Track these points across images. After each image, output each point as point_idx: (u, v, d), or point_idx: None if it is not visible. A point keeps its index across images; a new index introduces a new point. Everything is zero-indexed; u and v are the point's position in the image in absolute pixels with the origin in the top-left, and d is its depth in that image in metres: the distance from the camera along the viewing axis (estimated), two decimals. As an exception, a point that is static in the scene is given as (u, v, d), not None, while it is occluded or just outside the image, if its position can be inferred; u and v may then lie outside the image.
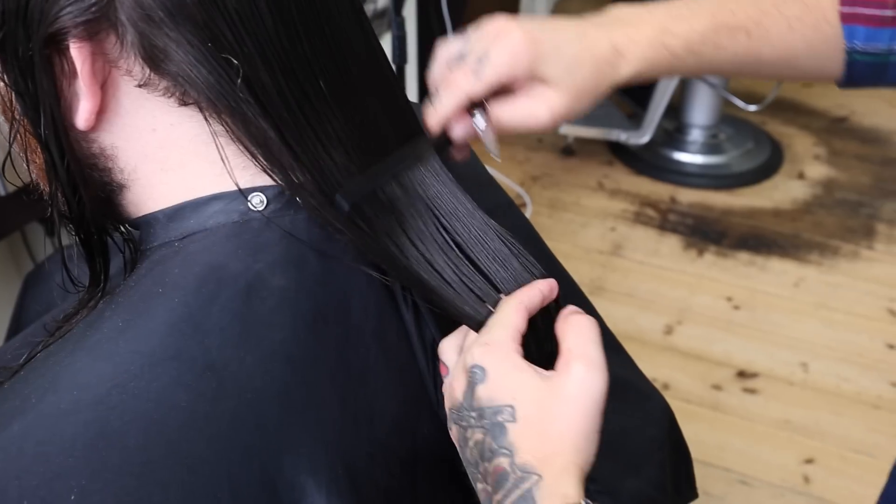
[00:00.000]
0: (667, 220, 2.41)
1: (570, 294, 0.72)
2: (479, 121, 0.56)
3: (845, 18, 0.59)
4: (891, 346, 1.97)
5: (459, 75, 0.56)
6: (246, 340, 0.47)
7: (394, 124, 0.54)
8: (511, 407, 0.47)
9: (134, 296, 0.49)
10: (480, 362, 0.49)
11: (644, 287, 2.14)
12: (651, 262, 2.24)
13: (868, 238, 2.33)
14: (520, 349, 0.49)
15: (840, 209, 2.45)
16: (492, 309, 0.52)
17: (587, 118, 2.59)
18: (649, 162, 2.63)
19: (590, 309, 0.73)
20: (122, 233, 0.55)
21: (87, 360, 0.46)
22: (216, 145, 0.49)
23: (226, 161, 0.49)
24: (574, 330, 0.50)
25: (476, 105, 0.56)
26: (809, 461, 1.69)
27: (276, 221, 0.50)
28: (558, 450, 0.46)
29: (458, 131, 0.57)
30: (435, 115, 0.56)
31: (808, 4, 0.59)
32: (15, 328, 1.02)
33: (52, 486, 0.41)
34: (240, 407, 0.45)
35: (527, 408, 0.47)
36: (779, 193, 2.52)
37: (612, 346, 0.73)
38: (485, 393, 0.48)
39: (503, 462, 0.47)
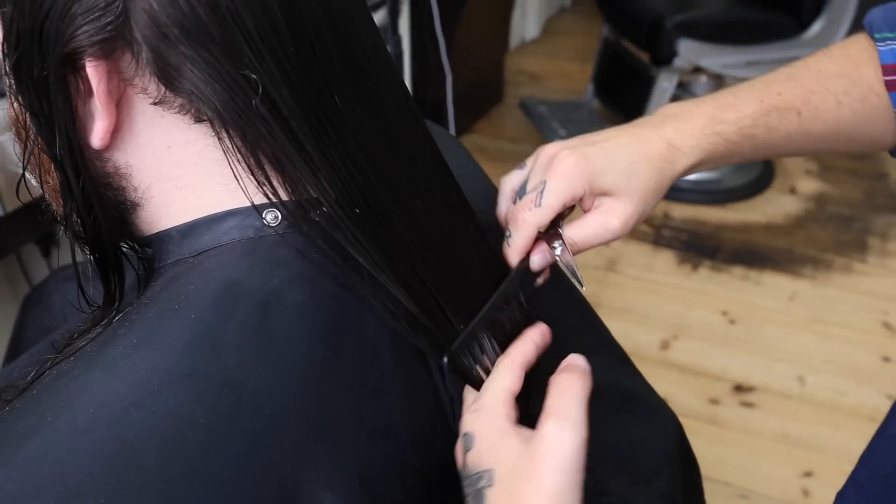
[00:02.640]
0: (661, 235, 2.42)
1: (576, 305, 0.72)
2: (556, 250, 0.59)
3: (891, 87, 0.60)
4: (886, 359, 1.98)
5: (523, 209, 0.58)
6: (263, 357, 0.47)
7: (409, 130, 0.54)
8: (490, 471, 0.48)
9: (149, 313, 0.49)
10: (470, 429, 0.51)
11: (639, 302, 2.15)
12: (646, 277, 2.25)
13: (861, 252, 2.34)
14: (512, 412, 0.50)
15: (832, 223, 2.47)
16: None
17: (579, 134, 2.60)
18: (642, 178, 2.64)
19: (592, 320, 0.74)
20: (136, 251, 0.54)
21: (102, 378, 0.46)
22: (230, 163, 0.49)
23: (240, 178, 0.49)
24: (557, 388, 0.51)
25: (549, 230, 0.59)
26: (808, 474, 1.69)
27: (290, 239, 0.51)
28: None
29: (537, 260, 0.59)
30: (511, 252, 0.59)
31: (853, 78, 0.60)
32: (14, 350, 1.02)
33: None
34: (258, 424, 0.45)
35: (503, 470, 0.48)
36: (771, 208, 2.54)
37: (620, 358, 0.74)
38: (472, 459, 0.50)
39: None
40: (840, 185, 2.65)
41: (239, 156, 0.49)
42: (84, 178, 0.50)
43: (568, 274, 0.59)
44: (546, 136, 2.61)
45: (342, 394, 0.49)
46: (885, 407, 1.85)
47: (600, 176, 0.57)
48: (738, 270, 2.27)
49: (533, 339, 0.56)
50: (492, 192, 0.71)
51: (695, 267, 2.29)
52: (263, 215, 0.50)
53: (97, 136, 0.48)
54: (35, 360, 0.69)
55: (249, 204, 0.50)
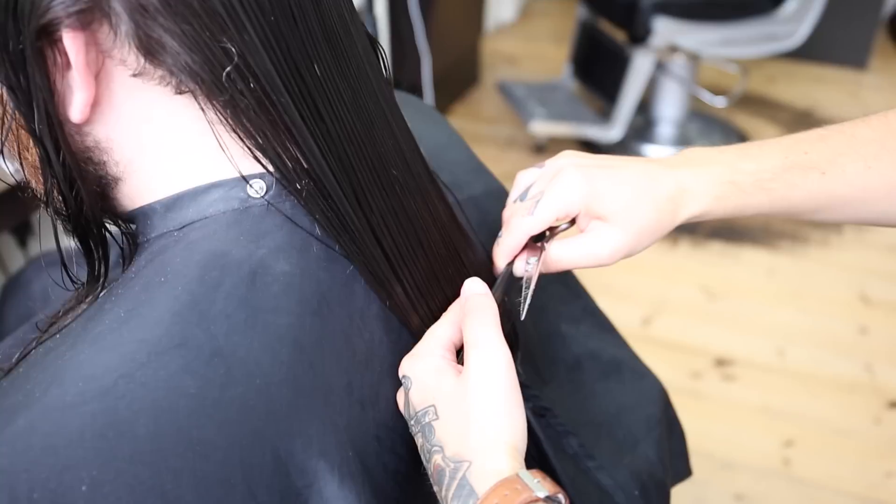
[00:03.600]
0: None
1: (562, 275, 0.72)
2: (529, 265, 0.59)
3: None
4: (863, 331, 2.01)
5: (517, 214, 0.59)
6: (252, 326, 0.47)
7: (383, 102, 0.54)
8: (433, 406, 0.50)
9: (135, 286, 0.48)
10: (408, 372, 0.53)
11: (621, 280, 2.16)
12: (626, 255, 2.26)
13: (837, 226, 2.37)
14: (447, 354, 0.52)
15: (808, 198, 2.48)
16: None
17: (558, 115, 2.61)
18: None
19: (577, 290, 0.74)
20: (119, 226, 0.54)
21: (90, 352, 0.46)
22: (214, 134, 0.49)
23: (225, 148, 0.49)
24: (467, 320, 0.53)
25: (539, 240, 0.60)
26: (789, 444, 1.71)
27: (278, 207, 0.50)
28: (480, 434, 0.48)
29: (518, 267, 0.60)
30: (499, 252, 0.60)
31: (888, 146, 0.58)
32: (-6, 338, 1.01)
33: (62, 478, 0.41)
34: (249, 393, 0.45)
35: (445, 404, 0.50)
36: (748, 184, 2.55)
37: (605, 328, 0.74)
38: (414, 398, 0.52)
39: (437, 459, 0.49)
40: (815, 161, 2.67)
41: (221, 127, 0.49)
42: (64, 152, 0.49)
43: (523, 290, 0.59)
44: (523, 118, 2.61)
45: (332, 363, 0.49)
46: (863, 377, 1.89)
47: (599, 200, 0.57)
48: (716, 246, 2.29)
49: (464, 291, 0.56)
50: (473, 162, 0.71)
51: (675, 243, 2.30)
52: (250, 185, 0.50)
53: (76, 109, 0.48)
54: (19, 341, 0.69)
55: (233, 175, 0.50)
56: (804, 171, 0.58)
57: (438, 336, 0.54)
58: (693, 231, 2.34)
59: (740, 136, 2.77)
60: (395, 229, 0.53)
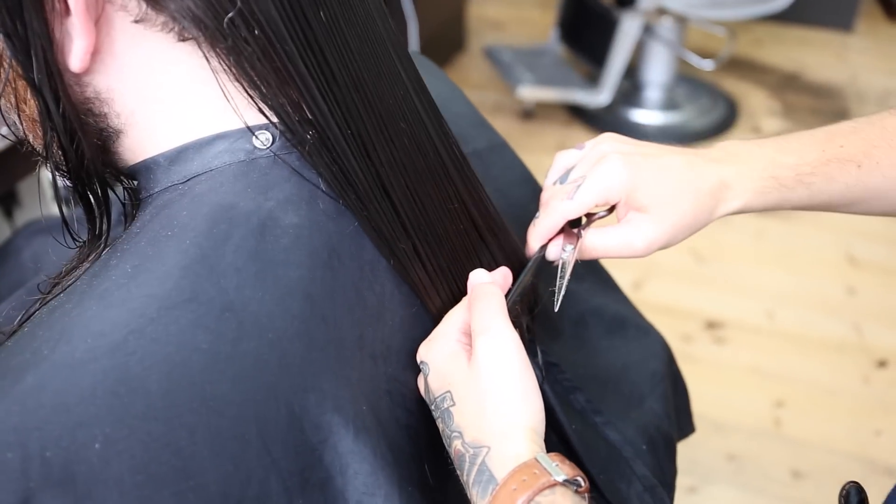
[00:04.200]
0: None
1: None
2: (566, 252, 0.59)
3: None
4: (851, 291, 2.02)
5: (557, 197, 0.58)
6: (263, 280, 0.46)
7: (392, 51, 0.53)
8: (450, 392, 0.50)
9: (141, 241, 0.47)
10: (424, 357, 0.53)
11: (610, 245, 2.16)
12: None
13: (824, 188, 2.37)
14: (462, 338, 0.52)
15: (796, 161, 2.49)
16: None
17: (546, 80, 2.60)
18: (608, 122, 2.65)
19: None
20: (121, 181, 0.53)
21: (98, 309, 0.44)
22: (218, 83, 0.48)
23: (230, 98, 0.48)
24: (474, 308, 0.52)
25: (575, 226, 0.59)
26: (780, 404, 1.73)
27: (284, 159, 0.49)
28: (496, 419, 0.48)
29: (552, 251, 0.59)
30: (534, 233, 0.60)
31: None
32: (-14, 306, 0.99)
33: (74, 436, 0.40)
34: (262, 347, 0.44)
35: (460, 390, 0.50)
36: (736, 148, 2.55)
37: (608, 285, 0.74)
38: (432, 383, 0.52)
39: (457, 444, 0.49)
40: (803, 125, 2.67)
41: (226, 76, 0.47)
42: (64, 104, 0.47)
43: (557, 275, 0.58)
44: (511, 83, 2.59)
45: (343, 316, 0.48)
46: (852, 336, 1.91)
47: (641, 190, 0.56)
48: (705, 210, 2.29)
49: (496, 279, 0.56)
50: (476, 116, 0.70)
51: (663, 208, 2.30)
52: (256, 136, 0.49)
53: (76, 57, 0.46)
54: (19, 304, 0.67)
55: (238, 127, 0.49)
56: (842, 163, 0.58)
57: (454, 320, 0.53)
58: (682, 195, 2.34)
59: (728, 100, 2.76)
60: (404, 183, 0.52)
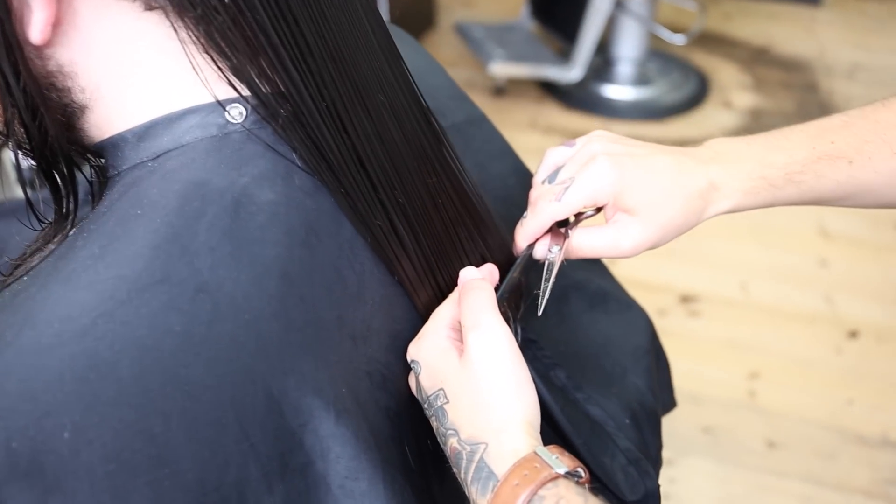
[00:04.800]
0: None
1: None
2: (552, 252, 0.58)
3: None
4: (823, 263, 2.04)
5: (545, 198, 0.58)
6: (238, 259, 0.44)
7: (369, 22, 0.51)
8: (442, 390, 0.50)
9: (109, 221, 0.45)
10: (415, 356, 0.52)
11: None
12: (589, 195, 2.26)
13: (795, 161, 2.39)
14: (452, 334, 0.51)
15: (767, 135, 2.50)
16: None
17: (518, 56, 2.58)
18: (580, 98, 2.64)
19: None
20: (88, 159, 0.51)
21: (64, 292, 0.43)
22: (186, 55, 0.46)
23: (199, 71, 0.46)
24: (464, 304, 0.52)
25: (563, 226, 0.59)
26: (754, 376, 1.74)
27: (258, 134, 0.47)
28: (491, 414, 0.47)
29: (539, 251, 0.59)
30: (522, 233, 0.59)
31: None
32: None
33: (41, 425, 0.38)
34: (238, 328, 0.43)
35: (453, 387, 0.49)
36: (709, 123, 2.56)
37: (592, 260, 0.73)
38: (424, 382, 0.51)
39: (453, 442, 0.48)
40: (773, 98, 2.68)
41: (195, 47, 0.45)
42: (24, 78, 0.45)
43: (543, 278, 0.58)
44: (482, 60, 2.57)
45: (322, 296, 0.47)
46: (824, 308, 1.92)
47: (629, 192, 0.56)
48: (678, 185, 2.29)
49: (483, 275, 0.56)
50: (454, 88, 0.68)
51: (636, 183, 2.30)
52: (227, 111, 0.47)
53: (36, 29, 0.44)
54: (-20, 288, 0.65)
55: (209, 101, 0.47)
56: (832, 160, 0.57)
57: (442, 316, 0.52)
58: (655, 170, 2.34)
59: (699, 75, 2.76)
60: (382, 158, 0.50)
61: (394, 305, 0.52)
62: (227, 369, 0.42)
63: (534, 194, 0.60)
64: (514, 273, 0.57)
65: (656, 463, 0.64)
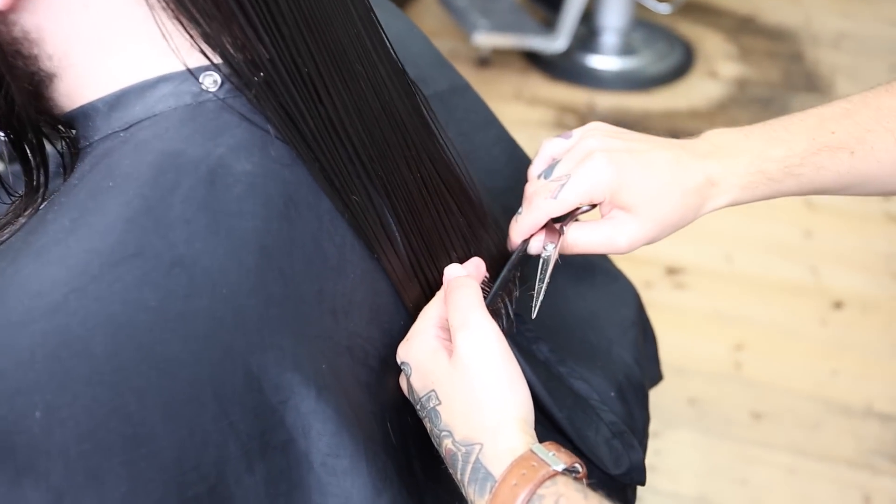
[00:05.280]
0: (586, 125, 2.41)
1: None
2: (546, 250, 0.57)
3: None
4: (808, 234, 2.04)
5: (541, 195, 0.56)
6: (215, 232, 0.43)
7: None
8: (434, 391, 0.49)
9: (80, 194, 0.44)
10: (405, 358, 0.51)
11: (570, 192, 2.15)
12: (575, 167, 2.25)
13: (781, 132, 2.38)
14: (441, 332, 0.51)
15: (753, 105, 2.49)
16: None
17: (502, 27, 2.55)
18: (565, 68, 2.62)
19: None
20: (58, 130, 0.49)
21: (34, 267, 0.41)
22: (155, 20, 0.44)
23: (169, 38, 0.44)
24: (450, 304, 0.51)
25: (558, 221, 0.58)
26: (739, 348, 1.75)
27: (233, 103, 0.46)
28: (485, 414, 0.47)
29: (535, 245, 0.58)
30: (516, 229, 0.58)
31: None
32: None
33: (12, 404, 0.37)
34: (215, 304, 0.42)
35: (444, 388, 0.48)
36: (694, 93, 2.55)
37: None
38: (416, 383, 0.50)
39: (448, 443, 0.48)
40: (759, 68, 2.67)
41: (164, 13, 0.44)
42: None
43: (538, 277, 0.57)
44: (466, 30, 2.54)
45: (302, 269, 0.46)
46: (809, 279, 1.92)
47: (626, 190, 0.55)
48: (664, 156, 2.28)
49: (469, 271, 0.55)
50: (436, 56, 0.67)
51: (622, 155, 2.29)
52: (201, 79, 0.45)
53: None
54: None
55: (182, 68, 0.45)
56: (833, 152, 0.56)
57: (430, 315, 0.52)
58: (640, 141, 2.33)
59: (684, 45, 2.74)
60: (360, 128, 0.49)
61: (375, 279, 0.51)
62: (205, 345, 0.41)
63: (529, 189, 0.59)
64: (505, 271, 0.56)
65: (643, 436, 0.64)
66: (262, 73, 0.45)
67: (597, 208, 0.58)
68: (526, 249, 0.58)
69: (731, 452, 1.57)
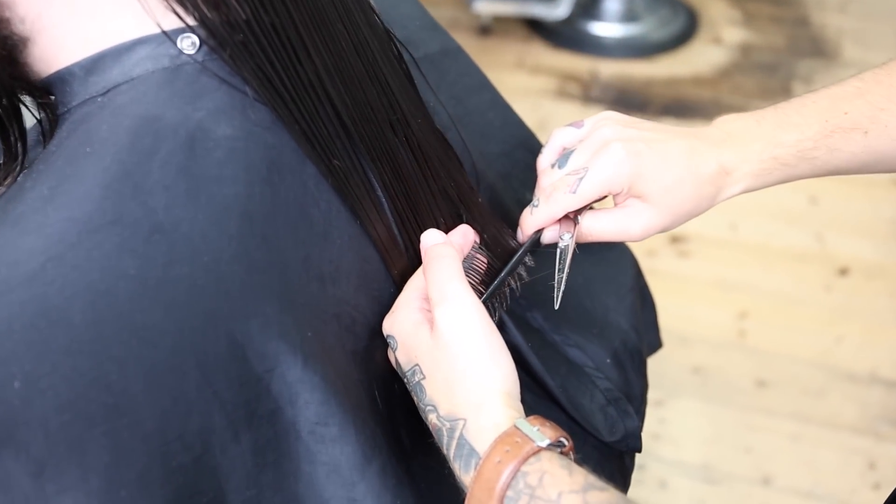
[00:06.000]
0: (589, 93, 2.39)
1: (527, 141, 0.68)
2: (563, 240, 0.57)
3: None
4: (813, 200, 2.02)
5: (559, 189, 0.55)
6: (195, 198, 0.42)
7: None
8: (418, 365, 0.48)
9: (58, 161, 0.43)
10: (389, 331, 0.50)
11: (572, 161, 2.13)
12: (577, 136, 2.23)
13: (785, 97, 2.33)
14: (424, 304, 0.50)
15: (758, 71, 2.46)
16: None
17: (503, -6, 2.52)
18: (568, 36, 2.59)
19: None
20: (34, 96, 0.48)
21: (11, 235, 0.40)
22: None
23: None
24: (429, 274, 0.50)
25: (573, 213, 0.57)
26: (744, 316, 1.74)
27: (212, 66, 0.45)
28: (468, 389, 0.46)
29: (549, 235, 0.57)
30: (532, 221, 0.57)
31: None
32: None
33: None
34: (196, 271, 0.41)
35: (427, 363, 0.48)
36: (698, 59, 2.52)
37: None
38: (401, 357, 0.50)
39: (433, 418, 0.47)
40: (764, 33, 2.63)
41: None
42: None
43: (556, 268, 0.56)
44: (467, -2, 2.51)
45: (286, 235, 0.45)
46: (814, 245, 1.91)
47: (643, 180, 0.55)
48: (668, 123, 2.26)
49: (455, 239, 0.53)
50: (426, 18, 0.65)
51: (625, 123, 2.27)
52: (179, 42, 0.44)
53: None
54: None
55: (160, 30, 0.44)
56: (846, 133, 0.56)
57: (414, 286, 0.51)
58: (643, 109, 2.31)
59: (688, 10, 2.71)
60: (343, 91, 0.48)
61: (363, 245, 0.50)
62: (186, 314, 0.40)
63: (545, 181, 0.57)
64: (517, 256, 0.56)
65: (641, 402, 0.63)
66: (238, 35, 0.43)
67: (608, 196, 0.58)
68: (538, 239, 0.57)
69: (736, 420, 1.57)
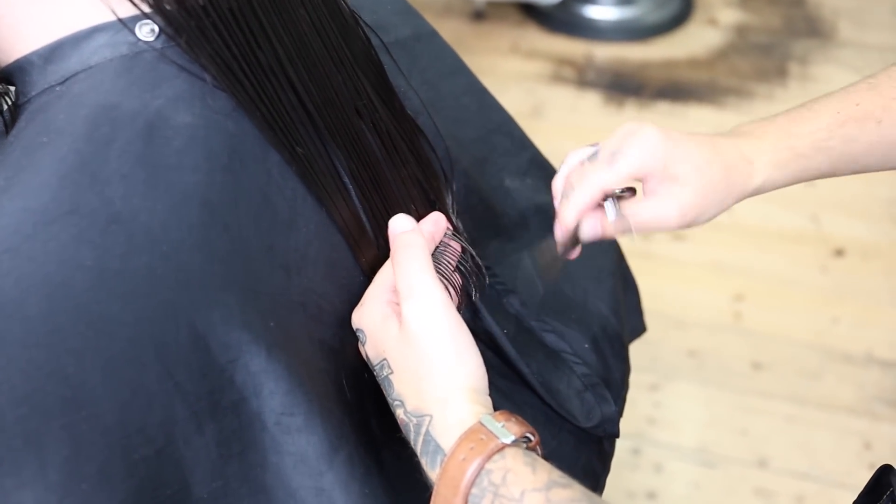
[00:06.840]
0: (584, 77, 2.38)
1: (504, 125, 0.67)
2: (610, 210, 0.56)
3: None
4: (808, 182, 2.00)
5: (593, 169, 0.55)
6: (153, 187, 0.41)
7: None
8: (386, 360, 0.48)
9: (14, 151, 0.42)
10: (358, 324, 0.50)
11: (568, 145, 2.10)
12: (572, 120, 2.22)
13: (781, 78, 2.34)
14: (393, 297, 0.49)
15: (753, 52, 2.45)
16: None
17: (496, -22, 2.50)
18: (562, 20, 2.57)
19: (523, 141, 0.69)
20: (-6, 87, 0.47)
21: None
22: None
23: None
24: (397, 265, 0.49)
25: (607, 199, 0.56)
26: (739, 298, 1.73)
27: (171, 54, 0.44)
28: (434, 384, 0.46)
29: (587, 228, 0.56)
30: (568, 209, 0.55)
31: None
32: None
33: None
34: (155, 261, 0.40)
35: (395, 357, 0.48)
36: (693, 41, 2.50)
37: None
38: (370, 351, 0.49)
39: (400, 413, 0.47)
40: (759, 14, 2.62)
41: None
42: None
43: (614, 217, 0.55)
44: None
45: (249, 224, 0.44)
46: (810, 228, 1.90)
47: (676, 160, 0.54)
48: (663, 106, 2.25)
49: (426, 228, 0.52)
50: (399, 2, 0.64)
51: (620, 106, 2.26)
52: (137, 29, 0.44)
53: None
54: None
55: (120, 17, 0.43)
56: (859, 122, 0.56)
57: (383, 279, 0.50)
58: (639, 92, 2.30)
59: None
60: (306, 76, 0.47)
61: (332, 232, 0.49)
62: (145, 304, 0.40)
63: (574, 174, 0.56)
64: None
65: (621, 387, 0.62)
66: (193, 21, 0.43)
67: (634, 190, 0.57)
68: (577, 236, 0.56)
69: (732, 403, 1.56)
